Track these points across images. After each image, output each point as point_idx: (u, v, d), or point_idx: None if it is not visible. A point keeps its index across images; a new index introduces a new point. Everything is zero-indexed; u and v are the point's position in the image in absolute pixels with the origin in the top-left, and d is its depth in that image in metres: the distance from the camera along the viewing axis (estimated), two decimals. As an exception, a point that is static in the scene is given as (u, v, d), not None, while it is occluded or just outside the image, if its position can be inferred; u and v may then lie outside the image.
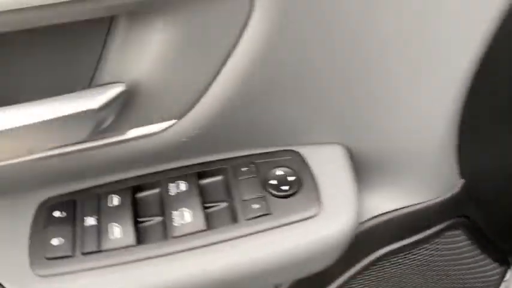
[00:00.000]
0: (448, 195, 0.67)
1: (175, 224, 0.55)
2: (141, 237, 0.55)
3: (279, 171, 0.59)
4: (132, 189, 0.58)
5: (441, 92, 0.55)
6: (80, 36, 0.47)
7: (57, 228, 0.55)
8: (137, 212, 0.57)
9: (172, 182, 0.59)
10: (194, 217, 0.55)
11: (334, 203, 0.57)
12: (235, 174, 0.59)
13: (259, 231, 0.55)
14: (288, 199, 0.57)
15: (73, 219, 0.56)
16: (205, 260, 0.54)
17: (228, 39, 0.48)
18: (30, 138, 0.46)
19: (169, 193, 0.57)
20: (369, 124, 0.59)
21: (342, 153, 0.61)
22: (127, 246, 0.53)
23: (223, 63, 0.49)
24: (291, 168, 0.59)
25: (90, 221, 0.55)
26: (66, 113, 0.45)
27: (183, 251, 0.54)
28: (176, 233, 0.54)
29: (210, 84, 0.51)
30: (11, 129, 0.44)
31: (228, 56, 0.49)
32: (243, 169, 0.59)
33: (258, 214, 0.55)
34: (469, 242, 0.76)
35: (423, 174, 0.65)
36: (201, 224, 0.55)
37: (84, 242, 0.54)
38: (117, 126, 0.51)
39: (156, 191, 0.60)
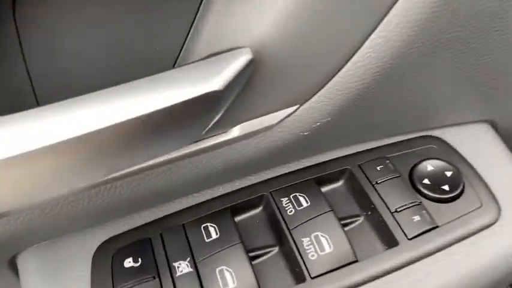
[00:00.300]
0: None
1: (312, 257, 0.37)
2: (260, 281, 0.37)
3: (429, 166, 0.43)
4: (231, 211, 0.41)
5: None
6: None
7: (135, 285, 0.36)
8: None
9: (285, 195, 0.41)
10: (335, 244, 0.38)
11: None
12: (370, 175, 0.42)
13: (429, 253, 0.38)
14: (453, 203, 0.41)
15: (155, 268, 0.37)
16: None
17: None
18: (113, 149, 0.27)
19: (287, 211, 0.40)
20: None
21: (493, 134, 0.46)
22: (249, 300, 0.36)
23: (385, 14, 0.32)
24: (444, 161, 0.43)
25: (183, 267, 0.37)
26: (173, 102, 0.27)
27: (331, 296, 0.37)
28: (317, 270, 0.37)
29: (358, 47, 0.34)
30: (83, 137, 0.25)
31: (391, 6, 0.32)
32: (378, 168, 0.42)
33: (423, 229, 0.39)
34: None
35: None
36: (347, 252, 0.38)
37: None
38: (224, 120, 0.33)
39: (258, 210, 0.42)
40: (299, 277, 0.37)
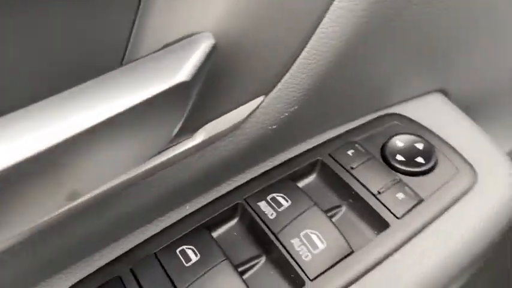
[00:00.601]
0: None
1: (306, 258, 0.34)
2: (256, 297, 0.33)
3: (399, 142, 0.41)
4: (207, 228, 0.36)
5: None
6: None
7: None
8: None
9: (262, 199, 0.38)
10: (327, 239, 0.35)
11: (485, 164, 0.41)
12: (343, 162, 0.40)
13: (422, 227, 0.37)
14: (431, 174, 0.40)
15: (134, 309, 0.32)
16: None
17: None
18: (76, 169, 0.22)
19: (268, 215, 0.36)
20: (471, 64, 0.45)
21: (447, 102, 0.46)
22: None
23: None
24: (411, 134, 0.42)
25: (166, 300, 0.32)
26: (132, 103, 0.23)
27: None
28: (314, 271, 0.33)
29: (320, 21, 0.32)
30: (38, 156, 0.20)
31: None
32: (350, 153, 0.40)
33: (410, 205, 0.37)
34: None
35: None
36: (342, 245, 0.35)
37: None
38: (187, 123, 0.29)
39: (235, 221, 0.38)
40: (297, 282, 0.33)
